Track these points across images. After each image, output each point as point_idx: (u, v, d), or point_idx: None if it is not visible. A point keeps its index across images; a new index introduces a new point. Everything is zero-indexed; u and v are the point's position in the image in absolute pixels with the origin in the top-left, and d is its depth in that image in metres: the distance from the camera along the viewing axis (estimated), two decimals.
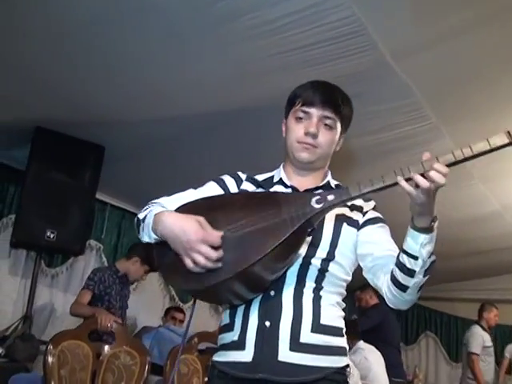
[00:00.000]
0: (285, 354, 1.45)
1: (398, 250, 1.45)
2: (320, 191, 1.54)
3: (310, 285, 1.51)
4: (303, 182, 1.64)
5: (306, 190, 1.61)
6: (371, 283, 1.59)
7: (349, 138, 3.66)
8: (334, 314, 1.54)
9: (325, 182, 1.66)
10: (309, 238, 1.51)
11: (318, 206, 1.39)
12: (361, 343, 4.41)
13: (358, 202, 1.64)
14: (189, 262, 1.35)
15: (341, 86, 3.18)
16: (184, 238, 1.36)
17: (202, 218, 1.39)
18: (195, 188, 1.66)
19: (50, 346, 2.87)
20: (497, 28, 2.86)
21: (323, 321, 1.49)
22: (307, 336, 1.46)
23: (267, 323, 1.47)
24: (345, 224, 1.58)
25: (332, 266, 1.54)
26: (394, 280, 1.43)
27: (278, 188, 1.65)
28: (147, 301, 5.19)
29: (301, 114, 1.60)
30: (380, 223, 1.62)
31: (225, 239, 1.36)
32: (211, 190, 1.64)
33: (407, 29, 2.86)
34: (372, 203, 1.67)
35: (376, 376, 4.20)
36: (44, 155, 3.93)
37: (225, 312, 1.60)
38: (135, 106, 3.61)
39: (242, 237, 1.38)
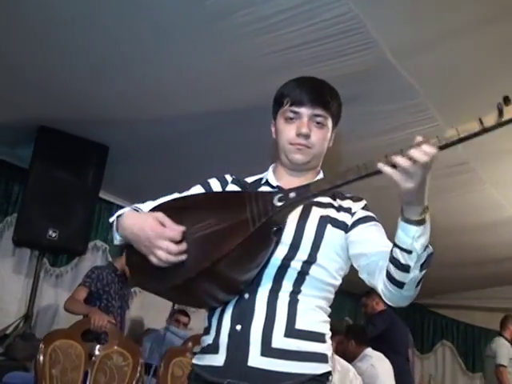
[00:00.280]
0: (255, 359, 1.39)
1: (391, 246, 1.37)
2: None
3: (286, 288, 1.45)
4: (294, 182, 1.57)
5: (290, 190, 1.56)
6: (367, 283, 1.50)
7: (353, 139, 3.62)
8: (312, 318, 1.46)
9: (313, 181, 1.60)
10: (287, 239, 1.45)
11: (279, 204, 1.34)
12: (368, 350, 4.32)
13: (347, 202, 1.59)
14: (152, 258, 1.33)
15: (342, 86, 3.11)
16: (143, 235, 1.35)
17: (160, 214, 1.37)
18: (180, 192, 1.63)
19: (42, 345, 2.85)
20: (504, 26, 2.77)
21: (299, 325, 1.42)
22: (279, 341, 1.40)
23: (238, 327, 1.42)
24: (329, 225, 1.50)
25: (314, 269, 1.46)
26: (389, 277, 1.34)
27: (264, 189, 1.61)
28: (154, 302, 5.15)
29: (290, 115, 1.55)
30: (371, 222, 1.54)
31: (189, 238, 1.34)
32: (196, 192, 1.61)
33: (408, 26, 2.79)
34: (362, 203, 1.60)
35: None
36: (47, 154, 3.93)
37: (206, 315, 1.57)
38: (138, 105, 3.61)
39: (206, 236, 1.36)
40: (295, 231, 1.48)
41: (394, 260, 1.31)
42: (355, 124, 3.43)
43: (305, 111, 1.53)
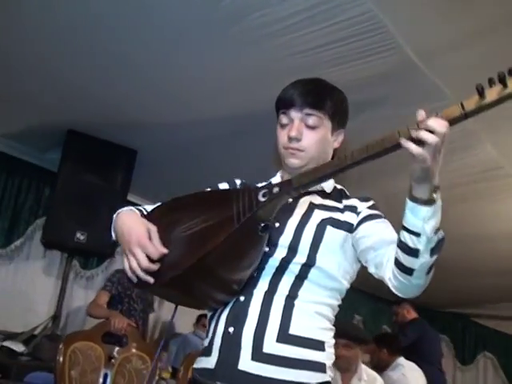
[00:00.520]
0: (245, 363, 1.35)
1: None
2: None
3: (282, 291, 1.41)
4: None
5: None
6: (376, 276, 1.42)
7: None
8: (309, 324, 1.41)
9: (318, 187, 1.55)
10: (286, 241, 1.42)
11: (263, 200, 1.31)
12: (401, 359, 4.22)
13: (352, 201, 1.54)
14: (125, 262, 1.34)
15: (365, 88, 3.05)
16: (127, 238, 1.37)
17: (154, 228, 1.37)
18: None
19: (62, 346, 2.87)
20: None
21: (293, 331, 1.38)
22: (271, 346, 1.36)
23: (231, 329, 1.39)
24: (329, 227, 1.45)
25: (313, 273, 1.42)
26: (397, 263, 1.28)
27: None
28: (182, 307, 5.16)
29: (283, 120, 1.52)
30: (379, 219, 1.47)
31: (177, 238, 1.35)
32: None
33: (432, 26, 2.69)
34: (369, 202, 1.53)
35: None
36: (75, 158, 3.99)
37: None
38: (166, 109, 3.62)
39: (192, 235, 1.36)
40: (294, 233, 1.44)
41: (402, 244, 1.24)
42: (380, 128, 3.34)
43: (295, 113, 1.49)
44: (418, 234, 1.20)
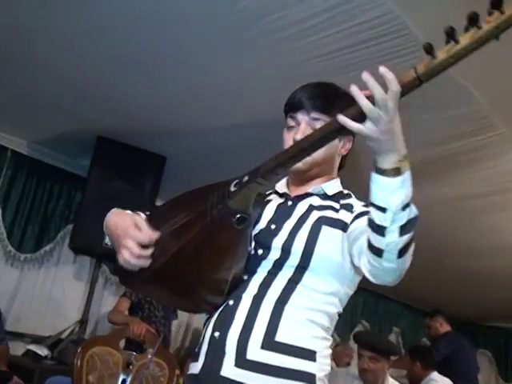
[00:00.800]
0: (228, 370, 1.31)
1: None
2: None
3: (271, 295, 1.35)
4: (301, 191, 1.53)
5: (296, 197, 1.51)
6: (359, 268, 1.33)
7: (408, 150, 3.43)
8: (299, 332, 1.34)
9: (319, 189, 1.51)
10: (279, 243, 1.38)
11: (233, 190, 1.27)
12: (434, 374, 4.09)
13: (349, 200, 1.49)
14: (119, 257, 1.33)
15: None
16: (116, 233, 1.37)
17: (139, 218, 1.37)
18: None
19: (80, 351, 2.88)
20: None
21: (280, 338, 1.31)
22: (255, 352, 1.30)
23: (216, 334, 1.35)
24: (324, 226, 1.39)
25: (307, 277, 1.36)
26: (369, 245, 1.20)
27: (273, 196, 1.58)
28: None
29: (290, 122, 1.50)
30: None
31: (161, 237, 1.33)
32: None
33: (457, 26, 2.59)
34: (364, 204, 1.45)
35: None
36: (105, 163, 4.02)
37: None
38: (194, 115, 3.61)
39: (172, 232, 1.35)
40: (288, 234, 1.39)
41: (370, 222, 1.17)
42: (406, 134, 3.25)
43: (302, 116, 1.47)
44: (383, 209, 1.11)
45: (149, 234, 1.30)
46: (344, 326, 6.39)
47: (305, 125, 1.45)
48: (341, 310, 1.45)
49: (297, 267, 1.36)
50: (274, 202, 1.55)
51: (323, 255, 1.36)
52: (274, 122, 3.32)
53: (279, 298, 1.35)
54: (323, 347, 1.37)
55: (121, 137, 4.01)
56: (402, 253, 1.15)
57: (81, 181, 4.27)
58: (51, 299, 4.34)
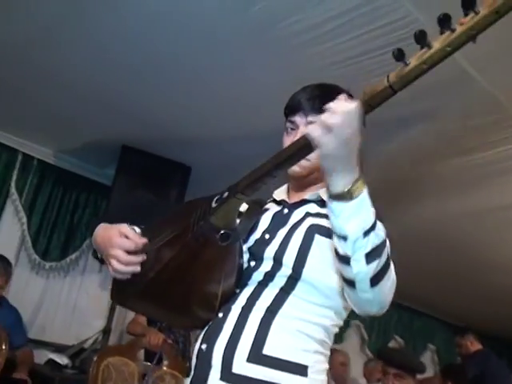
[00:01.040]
0: (214, 383, 1.24)
1: None
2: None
3: (261, 306, 1.28)
4: (300, 197, 1.46)
5: (293, 204, 1.44)
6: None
7: (432, 160, 3.32)
8: (289, 345, 1.25)
9: (316, 195, 1.43)
10: (271, 253, 1.31)
11: (214, 206, 1.23)
12: None
13: None
14: (109, 268, 1.31)
15: (415, 100, 2.84)
16: (103, 245, 1.35)
17: (124, 227, 1.33)
18: None
19: (96, 360, 2.86)
20: None
21: (267, 351, 1.23)
22: (241, 366, 1.23)
23: (203, 346, 1.29)
24: (317, 235, 1.30)
25: (300, 287, 1.28)
26: (341, 274, 1.15)
27: (270, 205, 1.51)
28: None
29: (289, 126, 1.44)
30: None
31: (151, 252, 1.31)
32: None
33: (486, 31, 2.49)
34: None
35: None
36: (130, 173, 4.02)
37: None
38: (220, 125, 3.59)
39: (160, 248, 1.32)
40: (280, 243, 1.32)
41: (335, 251, 1.10)
42: (433, 142, 3.15)
43: (299, 119, 1.40)
44: (343, 238, 1.05)
45: (134, 240, 1.28)
46: (377, 341, 6.24)
47: (303, 128, 1.38)
48: (340, 323, 1.36)
49: (289, 277, 1.29)
50: (271, 210, 1.48)
51: (317, 267, 1.27)
52: None
53: (269, 308, 1.27)
54: (316, 361, 1.28)
55: (145, 146, 4.01)
56: (374, 282, 1.08)
57: (106, 190, 4.28)
58: (76, 308, 4.36)
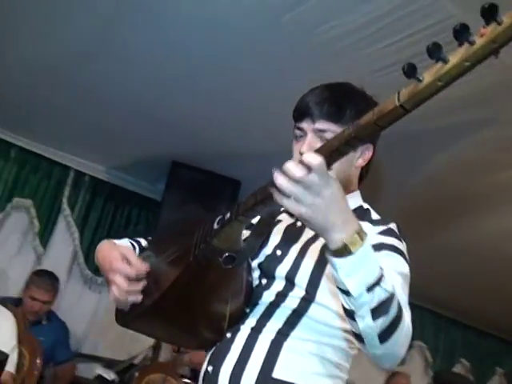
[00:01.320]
0: None
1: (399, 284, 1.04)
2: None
3: (272, 327, 1.21)
4: None
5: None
6: None
7: (483, 171, 3.13)
8: (301, 368, 1.18)
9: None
10: (283, 272, 1.24)
11: (216, 227, 1.15)
12: None
13: (364, 224, 1.28)
14: (110, 293, 1.25)
15: (465, 108, 2.69)
16: (103, 266, 1.31)
17: (127, 250, 1.29)
18: None
19: (136, 376, 2.84)
20: None
21: (277, 374, 1.16)
22: None
23: (210, 368, 1.24)
24: None
25: (314, 309, 1.20)
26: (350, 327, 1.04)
27: (283, 216, 1.41)
28: None
29: (297, 132, 1.33)
30: (384, 250, 1.14)
31: (156, 270, 1.27)
32: None
33: None
34: (382, 227, 1.24)
35: None
36: (179, 188, 4.06)
37: None
38: (269, 138, 3.54)
39: (164, 267, 1.28)
40: (293, 263, 1.24)
41: (342, 304, 1.00)
42: (483, 153, 2.99)
43: (307, 126, 1.29)
44: (346, 293, 0.94)
45: (136, 267, 1.22)
46: (441, 364, 5.94)
47: (311, 135, 1.27)
48: (350, 343, 1.24)
49: (302, 299, 1.21)
50: (284, 222, 1.38)
51: (331, 289, 1.18)
52: None
53: (280, 330, 1.20)
54: None
55: (195, 161, 4.04)
56: (384, 338, 0.96)
57: (157, 205, 4.31)
58: None
